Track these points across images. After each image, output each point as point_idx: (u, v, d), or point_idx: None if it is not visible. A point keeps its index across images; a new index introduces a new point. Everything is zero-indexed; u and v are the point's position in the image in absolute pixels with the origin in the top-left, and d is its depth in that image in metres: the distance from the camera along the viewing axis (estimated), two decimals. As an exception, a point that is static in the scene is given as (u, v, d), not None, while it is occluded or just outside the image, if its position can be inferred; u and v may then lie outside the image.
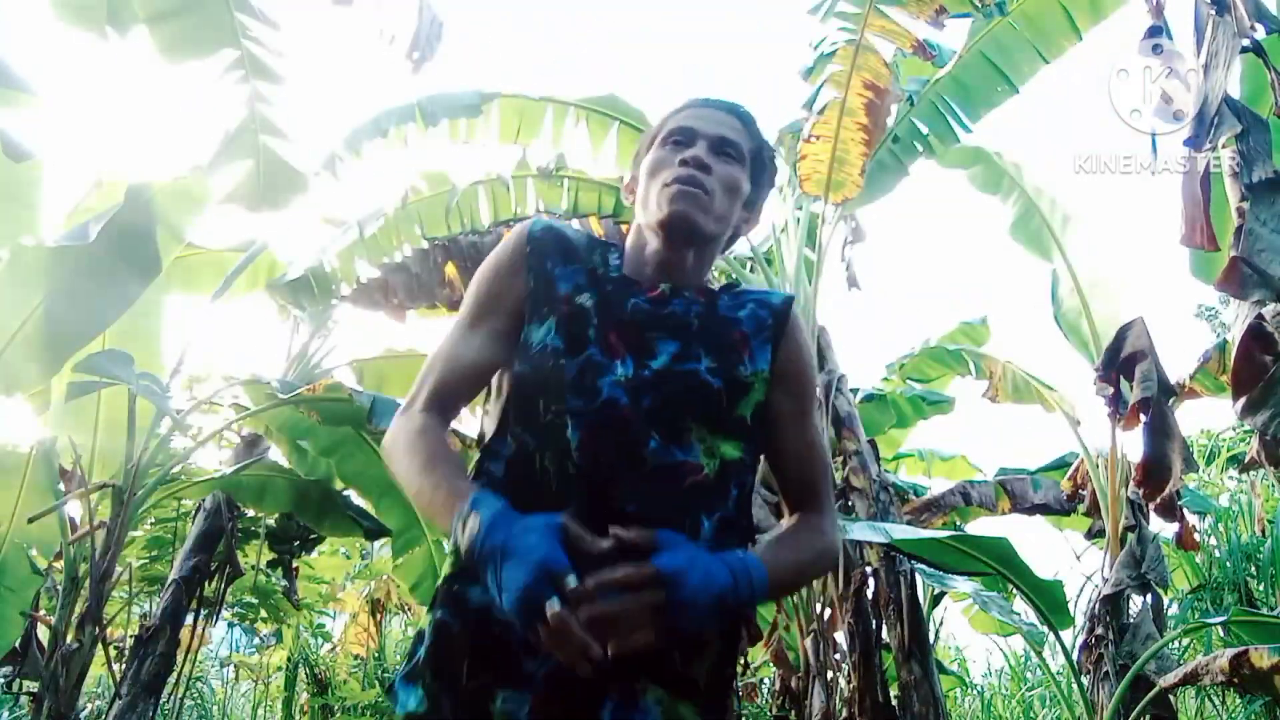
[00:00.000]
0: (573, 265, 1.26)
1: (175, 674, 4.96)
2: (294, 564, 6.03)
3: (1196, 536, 4.66)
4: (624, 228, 4.93)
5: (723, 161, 1.26)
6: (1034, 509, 5.09)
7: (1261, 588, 5.27)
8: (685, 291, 1.27)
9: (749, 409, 1.23)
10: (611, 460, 1.13)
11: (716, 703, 1.17)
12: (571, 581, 1.00)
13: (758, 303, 1.31)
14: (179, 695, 5.31)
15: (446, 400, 1.25)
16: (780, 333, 1.29)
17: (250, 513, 5.37)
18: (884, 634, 3.79)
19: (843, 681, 4.05)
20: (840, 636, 4.10)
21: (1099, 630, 3.87)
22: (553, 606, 0.98)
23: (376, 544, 7.47)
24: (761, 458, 1.30)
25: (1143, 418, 3.48)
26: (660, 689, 1.10)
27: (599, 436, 1.14)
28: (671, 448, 1.15)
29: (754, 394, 1.24)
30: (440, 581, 1.19)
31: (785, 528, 1.30)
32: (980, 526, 5.39)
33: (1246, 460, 2.73)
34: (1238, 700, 4.75)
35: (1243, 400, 2.53)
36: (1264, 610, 4.58)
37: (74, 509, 4.55)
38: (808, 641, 4.11)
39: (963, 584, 3.88)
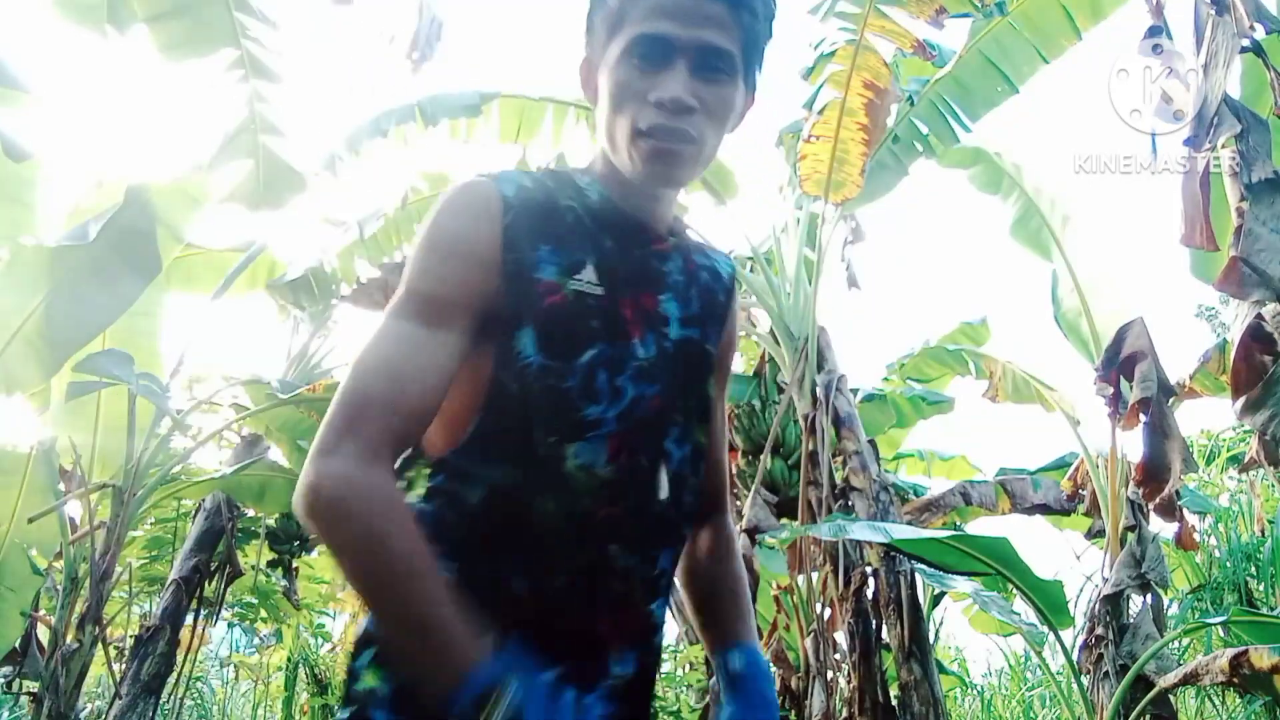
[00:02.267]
0: (554, 234, 0.99)
1: (175, 674, 4.96)
2: (294, 564, 6.04)
3: (1196, 536, 4.67)
4: None
5: (710, 85, 0.97)
6: (1034, 509, 5.09)
7: (1261, 588, 5.27)
8: (679, 240, 1.10)
9: (713, 389, 1.10)
10: (644, 471, 0.97)
11: None
12: None
13: (710, 272, 1.12)
14: (179, 695, 5.31)
15: (410, 436, 0.92)
16: (728, 308, 1.13)
17: (250, 513, 5.37)
18: (884, 634, 3.78)
19: (843, 681, 4.04)
20: (840, 636, 4.10)
21: (1099, 630, 3.86)
22: None
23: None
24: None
25: (1143, 418, 3.48)
26: None
27: (632, 447, 0.97)
28: (685, 434, 1.03)
29: (713, 372, 1.10)
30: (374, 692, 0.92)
31: (721, 563, 1.20)
32: (980, 526, 5.38)
33: (1246, 460, 2.73)
34: (1238, 700, 4.75)
35: (1242, 400, 2.53)
36: (1264, 610, 4.58)
37: (74, 509, 4.55)
38: (808, 641, 4.11)
39: (963, 584, 3.87)
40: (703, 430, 1.06)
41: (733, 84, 0.99)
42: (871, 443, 4.22)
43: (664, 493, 0.99)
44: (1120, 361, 3.62)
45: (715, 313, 1.10)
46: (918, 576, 3.80)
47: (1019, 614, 4.37)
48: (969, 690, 7.14)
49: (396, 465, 0.93)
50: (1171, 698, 3.65)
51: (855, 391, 4.84)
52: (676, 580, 1.13)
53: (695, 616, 1.20)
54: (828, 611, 4.12)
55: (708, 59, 0.96)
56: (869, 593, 3.86)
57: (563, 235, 0.99)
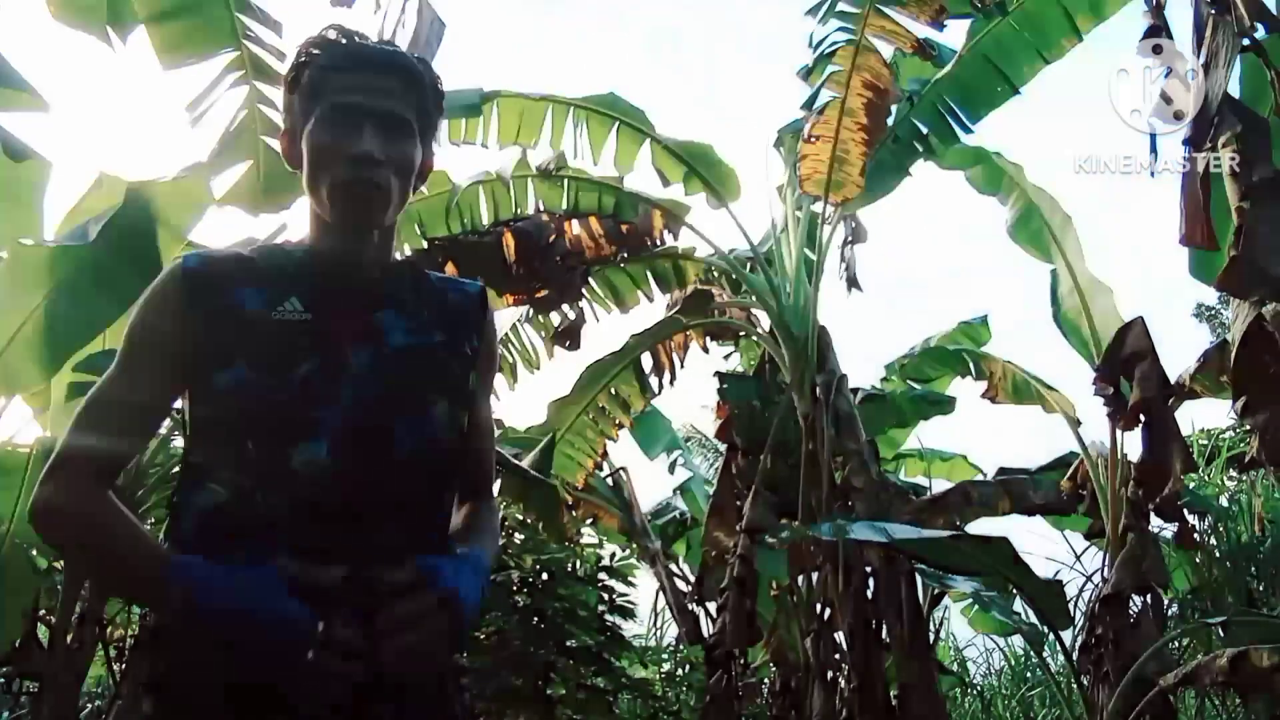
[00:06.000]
0: (254, 281, 1.18)
1: (175, 674, 4.96)
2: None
3: (1196, 536, 4.66)
4: (592, 220, 4.93)
5: (393, 142, 1.17)
6: (1034, 509, 5.08)
7: (1261, 588, 5.27)
8: (395, 270, 1.27)
9: (471, 381, 1.28)
10: (367, 459, 1.13)
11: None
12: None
13: (457, 290, 1.32)
14: (179, 695, 5.31)
15: (114, 459, 1.18)
16: (482, 321, 1.32)
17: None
18: (884, 634, 3.78)
19: (843, 681, 4.04)
20: (840, 636, 4.10)
21: (1099, 630, 3.86)
22: (313, 654, 1.00)
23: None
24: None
25: (1143, 418, 3.49)
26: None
27: (353, 440, 1.12)
28: (420, 427, 1.17)
29: (473, 370, 1.28)
30: (152, 639, 1.15)
31: (479, 519, 1.33)
32: (980, 526, 5.38)
33: (1246, 460, 2.73)
34: (1238, 700, 4.75)
35: (1243, 400, 2.53)
36: (1264, 610, 4.58)
37: (74, 509, 4.54)
38: (808, 641, 4.11)
39: (963, 584, 3.88)
40: (451, 420, 1.21)
41: (412, 141, 1.20)
42: (871, 443, 4.22)
43: (377, 497, 1.13)
44: (1120, 361, 3.62)
45: (464, 320, 1.29)
46: (918, 576, 3.80)
47: (1019, 614, 4.37)
48: (969, 690, 7.14)
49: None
50: (1171, 698, 3.65)
51: (855, 391, 4.84)
52: None
53: None
54: (828, 611, 4.12)
55: (389, 122, 1.17)
56: (869, 593, 3.86)
57: (264, 279, 1.18)
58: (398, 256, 1.32)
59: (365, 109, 1.15)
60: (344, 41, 1.20)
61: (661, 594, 6.82)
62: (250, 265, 1.20)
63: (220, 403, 1.12)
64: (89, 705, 6.53)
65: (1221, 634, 4.00)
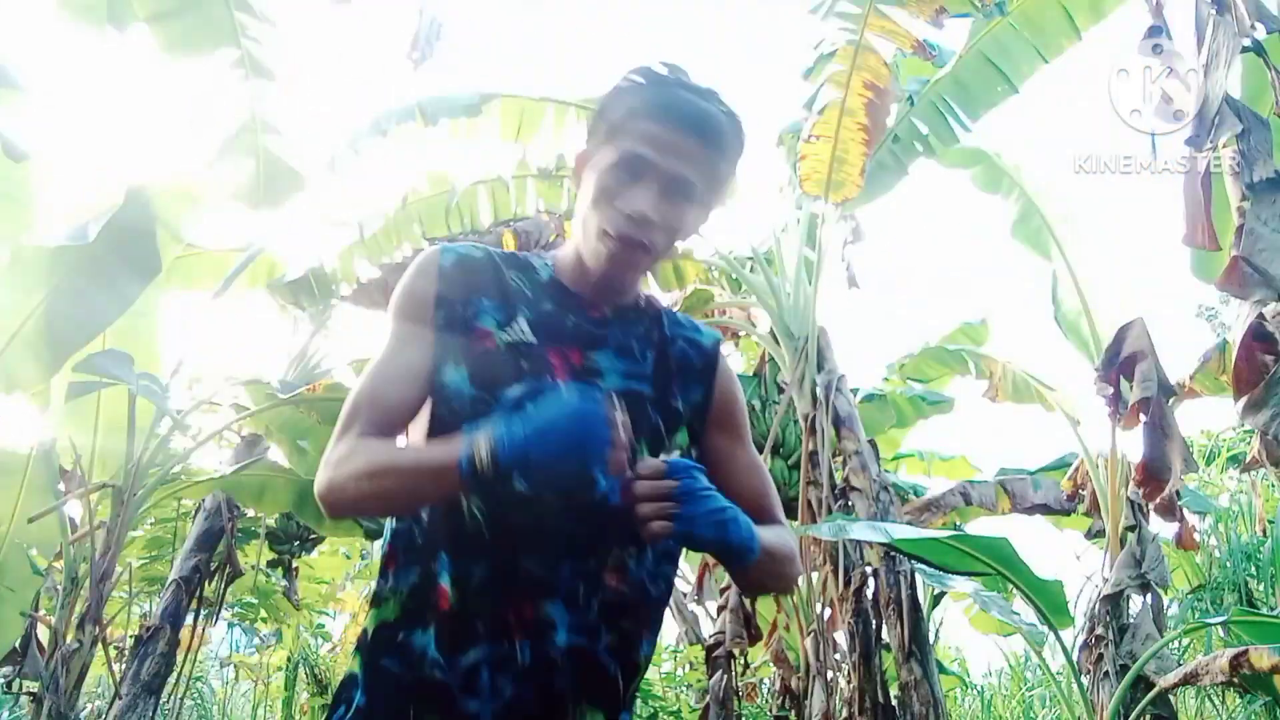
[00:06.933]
0: (495, 293, 1.21)
1: (175, 674, 4.97)
2: (294, 564, 6.04)
3: (1196, 536, 4.66)
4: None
5: (672, 204, 1.17)
6: (1034, 509, 5.09)
7: (1261, 588, 5.27)
8: (628, 312, 1.27)
9: (685, 439, 1.26)
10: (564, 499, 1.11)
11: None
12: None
13: (688, 341, 1.31)
14: (179, 695, 5.32)
15: (392, 424, 1.18)
16: (711, 375, 1.31)
17: (250, 513, 5.37)
18: (884, 634, 3.79)
19: (843, 681, 4.05)
20: (840, 636, 4.10)
21: (1099, 630, 3.86)
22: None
23: (377, 544, 7.47)
24: None
25: (1143, 418, 3.48)
26: (599, 712, 1.17)
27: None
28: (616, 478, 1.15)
29: (683, 426, 1.26)
30: (376, 625, 1.17)
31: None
32: (980, 526, 5.38)
33: (1247, 460, 2.74)
34: (1238, 700, 4.75)
35: (1243, 400, 2.53)
36: (1264, 610, 4.58)
37: (74, 509, 4.55)
38: (808, 641, 4.11)
39: (963, 584, 3.87)
40: None
41: (691, 207, 1.19)
42: (871, 443, 4.21)
43: (571, 531, 1.13)
44: (1120, 361, 3.62)
45: (687, 374, 1.29)
46: (918, 576, 3.80)
47: (1019, 614, 4.37)
48: (969, 690, 7.15)
49: None
50: (1171, 698, 3.65)
51: (855, 391, 4.84)
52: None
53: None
54: (828, 611, 4.12)
55: (675, 185, 1.16)
56: (869, 593, 3.86)
57: (504, 294, 1.21)
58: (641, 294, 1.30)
59: (656, 166, 1.15)
60: (664, 83, 1.19)
61: (661, 594, 6.80)
62: (498, 276, 1.22)
63: (446, 404, 1.17)
64: (89, 705, 6.53)
65: (1222, 634, 4.00)
